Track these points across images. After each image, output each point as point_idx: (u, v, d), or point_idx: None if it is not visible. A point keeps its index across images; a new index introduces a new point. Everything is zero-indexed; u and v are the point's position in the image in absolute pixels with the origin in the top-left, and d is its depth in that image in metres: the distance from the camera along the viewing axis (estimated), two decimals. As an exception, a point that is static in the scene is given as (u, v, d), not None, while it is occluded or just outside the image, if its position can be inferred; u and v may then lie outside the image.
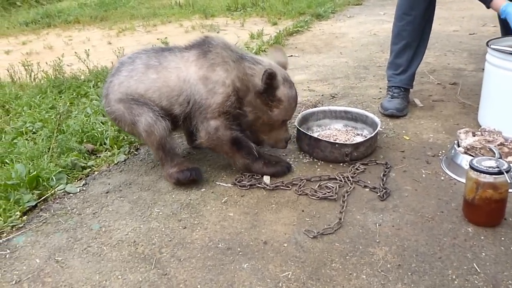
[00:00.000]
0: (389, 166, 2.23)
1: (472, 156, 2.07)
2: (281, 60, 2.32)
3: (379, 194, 2.00)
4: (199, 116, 2.11)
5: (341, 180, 2.12)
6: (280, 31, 5.36)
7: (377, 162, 2.28)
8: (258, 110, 2.15)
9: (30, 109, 3.17)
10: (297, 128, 2.41)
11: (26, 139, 2.67)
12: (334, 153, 2.27)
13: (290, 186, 2.10)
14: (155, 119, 2.09)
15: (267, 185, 2.10)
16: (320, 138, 2.36)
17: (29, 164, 2.24)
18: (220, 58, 2.10)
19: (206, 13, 7.29)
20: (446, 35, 4.89)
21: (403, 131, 2.62)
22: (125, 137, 2.65)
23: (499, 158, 1.80)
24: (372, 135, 2.34)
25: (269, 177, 2.17)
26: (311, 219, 1.87)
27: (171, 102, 2.13)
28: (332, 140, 2.40)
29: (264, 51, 4.42)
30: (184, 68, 2.13)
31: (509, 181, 1.70)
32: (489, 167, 1.72)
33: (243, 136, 2.17)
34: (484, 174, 1.71)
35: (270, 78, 2.05)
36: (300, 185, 2.10)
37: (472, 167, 1.75)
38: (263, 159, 2.20)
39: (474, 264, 1.58)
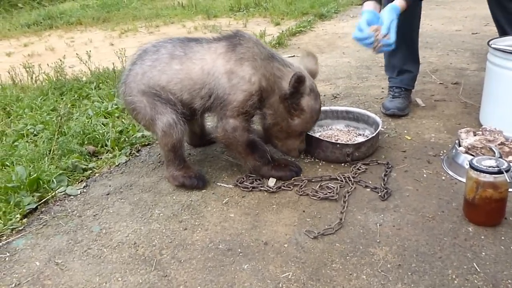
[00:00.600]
0: (390, 166, 2.23)
1: (473, 155, 2.06)
2: (311, 67, 2.24)
3: (380, 194, 2.00)
4: (219, 111, 2.07)
5: (342, 180, 2.12)
6: (283, 31, 5.37)
7: (379, 162, 2.27)
8: (279, 115, 2.10)
9: (31, 111, 3.17)
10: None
11: (27, 142, 2.67)
12: (335, 153, 2.27)
13: (291, 187, 2.10)
14: (176, 121, 2.06)
15: (271, 188, 2.09)
16: (322, 138, 2.36)
17: (30, 167, 2.24)
18: (250, 53, 2.03)
19: (209, 13, 7.30)
20: (448, 34, 4.88)
21: (405, 131, 2.61)
22: (126, 139, 2.65)
23: (499, 157, 1.79)
24: (374, 135, 2.33)
25: (274, 180, 2.15)
26: (312, 220, 1.87)
27: (193, 96, 2.08)
28: (333, 140, 2.40)
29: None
30: (209, 60, 2.06)
31: (509, 181, 1.69)
32: (489, 167, 1.71)
33: (259, 140, 2.14)
34: (484, 174, 1.71)
35: (299, 81, 2.00)
36: (301, 185, 2.09)
37: (472, 167, 1.74)
38: (273, 162, 2.16)
39: (474, 263, 1.57)
